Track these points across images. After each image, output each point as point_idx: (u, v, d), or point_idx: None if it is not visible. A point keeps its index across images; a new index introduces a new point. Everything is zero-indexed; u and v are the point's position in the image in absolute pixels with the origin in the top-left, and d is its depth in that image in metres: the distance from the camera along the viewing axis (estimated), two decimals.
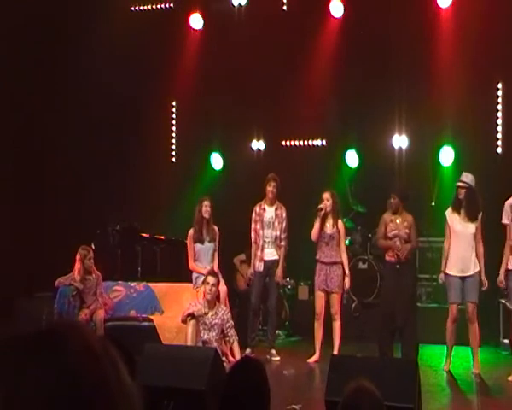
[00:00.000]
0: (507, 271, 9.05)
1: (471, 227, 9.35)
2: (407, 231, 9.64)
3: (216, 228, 10.44)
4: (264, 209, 10.48)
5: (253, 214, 10.50)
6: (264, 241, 10.44)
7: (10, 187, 12.14)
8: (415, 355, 9.24)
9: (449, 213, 9.58)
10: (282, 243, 10.46)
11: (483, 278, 9.26)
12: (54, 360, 0.92)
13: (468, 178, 9.48)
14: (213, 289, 9.27)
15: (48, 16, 12.29)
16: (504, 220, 9.13)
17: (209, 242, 10.40)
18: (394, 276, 9.75)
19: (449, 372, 9.33)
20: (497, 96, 12.19)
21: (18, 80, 12.16)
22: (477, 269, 9.28)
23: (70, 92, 12.46)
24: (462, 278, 9.31)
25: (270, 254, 10.44)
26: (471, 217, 9.34)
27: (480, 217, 9.35)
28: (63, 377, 0.91)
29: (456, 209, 9.47)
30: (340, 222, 10.17)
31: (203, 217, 10.33)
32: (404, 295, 9.54)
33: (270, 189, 10.35)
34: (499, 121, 12.22)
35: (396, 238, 9.65)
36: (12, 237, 11.63)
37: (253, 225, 10.49)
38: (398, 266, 9.66)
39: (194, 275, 10.38)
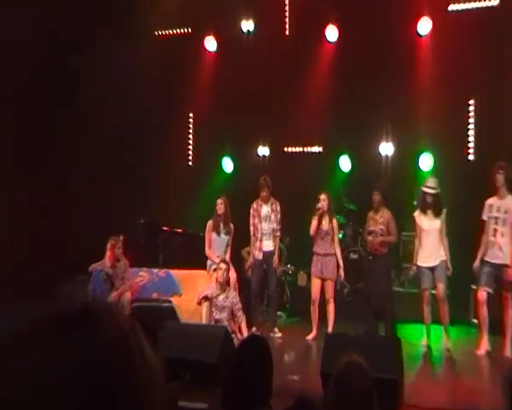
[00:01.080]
0: (482, 261, 9.04)
1: (437, 223, 9.39)
2: (382, 226, 9.69)
3: (232, 225, 10.49)
4: (261, 206, 10.53)
5: (251, 211, 10.53)
6: (263, 233, 10.48)
7: (56, 189, 12.13)
8: (394, 332, 9.30)
9: (417, 214, 9.60)
10: (277, 234, 10.51)
11: (449, 265, 9.33)
12: (88, 336, 0.91)
13: (434, 183, 9.50)
14: (225, 273, 9.36)
15: (79, 31, 12.17)
16: (484, 217, 9.12)
17: (224, 235, 10.44)
18: (369, 266, 9.85)
19: (426, 347, 9.36)
20: (469, 111, 12.17)
21: (51, 91, 12.07)
22: (443, 258, 9.33)
23: (103, 107, 12.38)
24: (432, 268, 9.36)
25: (268, 245, 10.47)
26: (437, 215, 9.38)
27: (443, 213, 9.37)
28: (96, 351, 0.90)
29: (424, 211, 9.49)
30: (334, 220, 10.19)
31: (217, 213, 10.40)
32: (377, 283, 9.60)
33: (263, 194, 10.43)
34: (471, 132, 12.20)
35: (371, 234, 9.71)
36: (54, 229, 11.63)
37: (251, 220, 10.51)
38: (370, 258, 9.76)
39: (209, 262, 10.43)
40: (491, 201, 9.08)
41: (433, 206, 9.39)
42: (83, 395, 0.87)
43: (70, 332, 0.92)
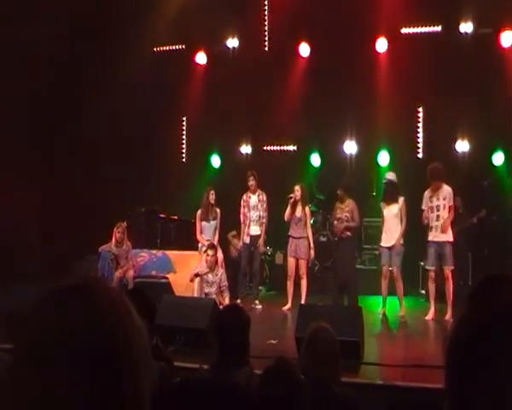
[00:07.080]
0: (427, 242, 9.23)
1: (393, 209, 9.50)
2: (347, 214, 9.77)
3: (218, 210, 10.47)
4: (249, 197, 10.53)
5: (242, 201, 10.55)
6: (251, 220, 10.48)
7: (69, 184, 11.98)
8: (356, 303, 9.37)
9: (382, 204, 9.73)
10: (264, 221, 10.51)
11: (400, 242, 9.38)
12: (84, 303, 0.94)
13: (389, 175, 9.71)
14: (212, 258, 9.39)
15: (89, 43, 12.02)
16: (424, 207, 9.30)
17: (213, 220, 10.42)
18: (336, 248, 9.94)
19: (384, 315, 9.45)
20: (418, 117, 12.36)
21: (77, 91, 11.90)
22: (400, 241, 9.41)
23: (109, 112, 12.16)
24: (390, 248, 9.46)
25: (255, 230, 10.48)
26: (392, 201, 9.46)
27: (400, 201, 9.45)
28: (89, 314, 0.93)
29: (385, 200, 9.64)
30: (306, 208, 10.22)
31: (210, 202, 10.37)
32: (341, 261, 9.67)
33: (249, 182, 10.44)
34: (419, 135, 12.37)
35: (338, 220, 9.79)
36: (68, 216, 11.51)
37: (241, 210, 10.54)
38: (336, 240, 9.86)
39: (200, 245, 10.42)
40: (428, 193, 9.27)
41: (388, 193, 9.52)
42: (80, 349, 0.90)
43: (69, 300, 0.94)
